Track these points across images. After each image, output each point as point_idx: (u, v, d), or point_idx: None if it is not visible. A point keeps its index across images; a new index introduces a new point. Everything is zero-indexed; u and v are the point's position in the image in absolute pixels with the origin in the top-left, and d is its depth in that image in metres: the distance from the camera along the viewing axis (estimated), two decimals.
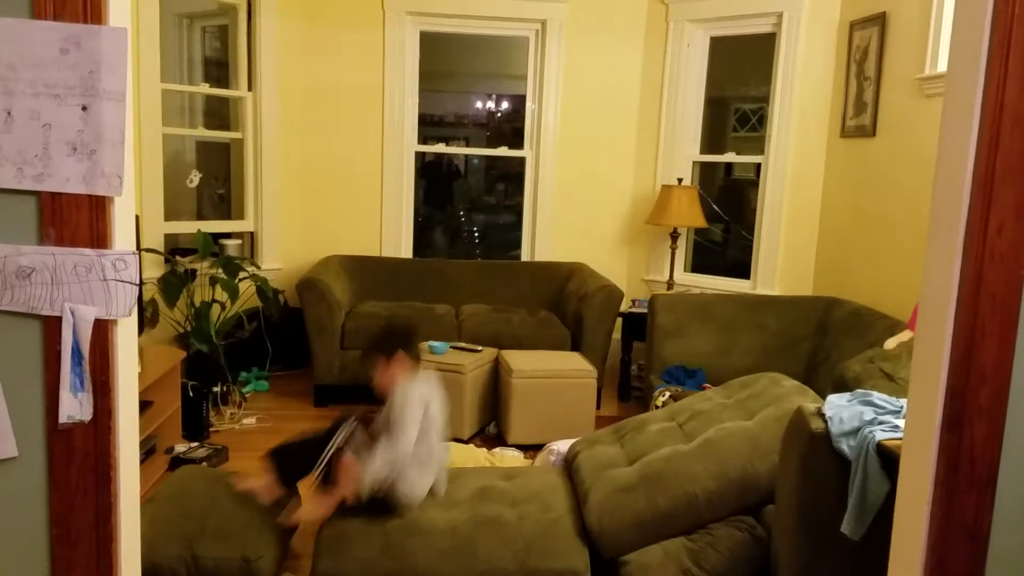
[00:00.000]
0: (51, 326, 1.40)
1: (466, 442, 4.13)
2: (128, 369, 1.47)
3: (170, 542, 2.60)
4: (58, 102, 1.38)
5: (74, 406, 1.41)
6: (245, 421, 4.45)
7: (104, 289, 1.40)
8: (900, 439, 2.09)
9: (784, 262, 5.16)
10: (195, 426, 4.13)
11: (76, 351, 1.40)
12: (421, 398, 2.83)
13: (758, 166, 5.34)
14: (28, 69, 1.37)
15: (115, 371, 1.43)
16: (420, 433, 2.79)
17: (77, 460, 1.42)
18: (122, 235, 1.42)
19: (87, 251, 1.39)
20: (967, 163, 1.48)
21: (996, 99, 1.44)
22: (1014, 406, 1.47)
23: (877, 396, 2.34)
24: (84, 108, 1.38)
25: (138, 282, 1.43)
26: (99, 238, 1.40)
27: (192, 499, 2.82)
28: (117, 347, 1.43)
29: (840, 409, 2.30)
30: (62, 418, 1.40)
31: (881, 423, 2.21)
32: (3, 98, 1.37)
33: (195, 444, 3.94)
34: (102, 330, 1.41)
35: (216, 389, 4.55)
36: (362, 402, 4.63)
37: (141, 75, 4.55)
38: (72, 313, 1.40)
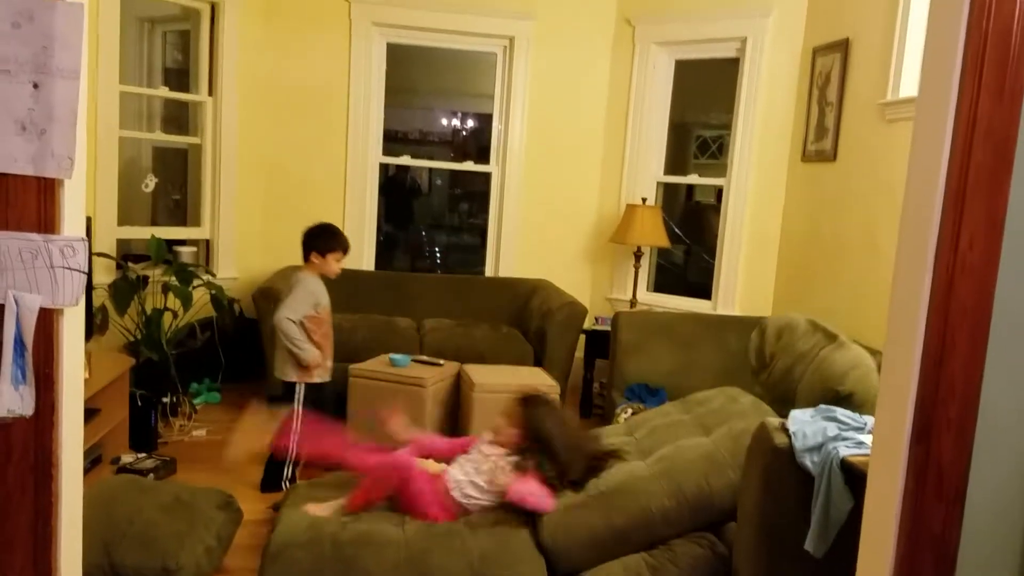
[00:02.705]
0: None
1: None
2: (74, 362, 1.40)
3: (87, 548, 2.45)
4: (8, 78, 1.31)
5: (15, 399, 1.33)
6: (195, 433, 4.33)
7: (51, 276, 1.33)
8: (864, 455, 2.09)
9: (744, 283, 5.19)
10: (143, 437, 4.00)
11: (19, 341, 1.33)
12: None
13: (718, 192, 5.38)
14: None
15: (60, 364, 1.36)
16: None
17: (16, 457, 1.34)
18: (71, 220, 1.35)
19: (34, 236, 1.32)
20: (939, 176, 1.47)
21: (969, 114, 1.44)
22: (984, 419, 1.46)
23: (841, 412, 2.33)
24: (35, 85, 1.32)
25: (87, 270, 1.35)
26: (47, 223, 1.33)
27: (117, 506, 2.71)
28: (62, 338, 1.36)
29: (804, 424, 2.29)
30: (1, 412, 1.32)
31: (845, 439, 2.20)
32: None
33: (142, 455, 3.81)
34: (47, 320, 1.34)
35: (166, 400, 4.41)
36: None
37: (99, 77, 4.44)
38: (16, 301, 1.32)
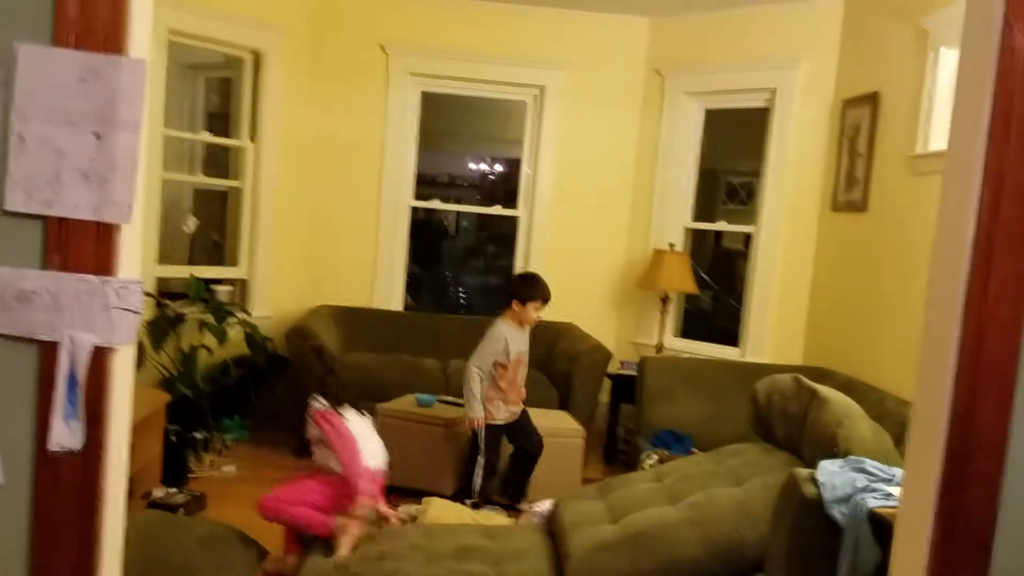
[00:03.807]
0: (48, 351, 1.38)
1: (451, 498, 4.06)
2: (123, 399, 1.45)
3: None
4: (73, 130, 1.39)
5: (65, 434, 1.38)
6: (225, 469, 4.38)
7: (106, 316, 1.39)
8: (892, 507, 2.08)
9: (774, 331, 5.17)
10: (175, 472, 4.06)
11: (72, 378, 1.38)
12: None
13: (746, 238, 5.40)
14: (45, 96, 1.38)
15: (110, 401, 1.41)
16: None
17: (63, 490, 1.39)
18: (127, 262, 1.41)
19: (91, 278, 1.38)
20: (967, 231, 1.50)
21: (997, 169, 1.47)
22: (1011, 471, 1.47)
23: (870, 463, 2.33)
24: (99, 137, 1.39)
25: (140, 311, 1.41)
26: (104, 265, 1.39)
27: (153, 541, 2.75)
28: (114, 376, 1.41)
29: (833, 475, 2.29)
30: (52, 446, 1.37)
31: (873, 491, 2.20)
32: (17, 123, 1.37)
33: (173, 490, 3.86)
34: (100, 358, 1.39)
35: (198, 435, 4.47)
36: None
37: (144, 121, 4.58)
38: (71, 340, 1.38)
